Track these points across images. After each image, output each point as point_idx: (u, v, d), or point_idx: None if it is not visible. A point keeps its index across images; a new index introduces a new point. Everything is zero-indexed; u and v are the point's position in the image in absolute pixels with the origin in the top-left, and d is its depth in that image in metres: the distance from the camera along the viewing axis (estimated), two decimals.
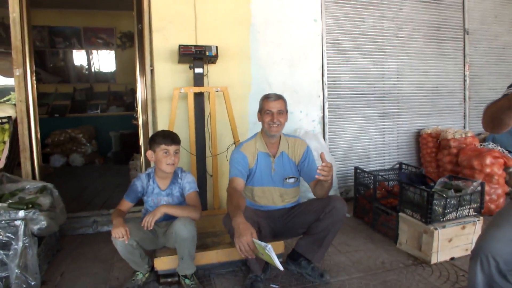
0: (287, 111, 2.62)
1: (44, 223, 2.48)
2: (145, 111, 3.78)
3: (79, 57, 8.53)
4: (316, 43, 4.05)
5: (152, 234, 2.46)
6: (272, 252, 1.86)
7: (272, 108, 2.52)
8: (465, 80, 4.83)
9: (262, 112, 2.58)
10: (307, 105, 4.05)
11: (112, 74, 8.75)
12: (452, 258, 2.77)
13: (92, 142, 7.10)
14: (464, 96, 4.86)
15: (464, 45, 4.78)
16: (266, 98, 2.59)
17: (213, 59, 3.41)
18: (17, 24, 3.21)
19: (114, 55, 8.60)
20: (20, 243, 2.27)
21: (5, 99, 4.96)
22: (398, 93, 4.50)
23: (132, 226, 2.32)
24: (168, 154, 2.44)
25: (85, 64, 8.64)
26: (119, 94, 8.28)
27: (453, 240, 2.75)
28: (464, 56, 4.79)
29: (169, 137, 2.47)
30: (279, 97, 2.57)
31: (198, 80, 3.34)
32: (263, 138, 2.62)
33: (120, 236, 2.17)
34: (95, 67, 8.73)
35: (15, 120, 3.25)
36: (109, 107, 7.85)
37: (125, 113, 7.42)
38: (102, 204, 4.05)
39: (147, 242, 2.44)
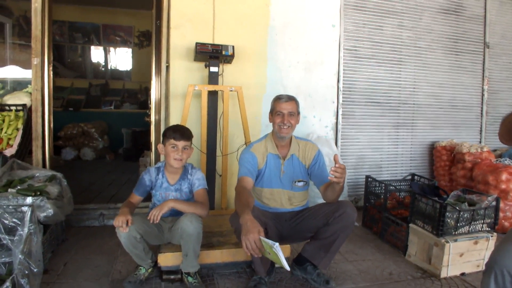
0: (299, 113, 2.58)
1: (50, 211, 2.48)
2: (158, 111, 3.79)
3: (96, 54, 8.62)
4: (333, 48, 4.02)
5: (157, 228, 2.44)
6: (279, 250, 1.81)
7: (283, 109, 2.49)
8: (483, 95, 4.75)
9: (273, 113, 2.56)
10: (321, 110, 4.02)
11: (128, 72, 8.83)
12: (462, 274, 2.69)
13: (104, 137, 7.15)
14: (481, 110, 4.77)
15: (483, 58, 4.71)
16: (277, 99, 2.56)
17: (229, 59, 3.41)
18: (38, 14, 3.25)
19: (131, 54, 8.69)
20: (26, 229, 2.25)
21: (23, 91, 5.02)
22: (413, 104, 4.45)
23: (138, 218, 2.30)
24: (176, 149, 2.42)
25: (102, 61, 8.73)
26: (133, 92, 8.36)
27: (465, 255, 2.68)
28: (483, 70, 4.72)
29: (179, 132, 2.45)
30: (291, 99, 2.54)
31: (213, 78, 3.34)
32: (274, 140, 2.59)
33: (119, 224, 2.15)
34: (111, 64, 8.81)
35: (30, 108, 3.27)
36: (123, 104, 7.92)
37: (138, 111, 7.49)
38: (110, 198, 4.05)
39: (151, 236, 2.41)
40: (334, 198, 2.38)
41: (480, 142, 4.76)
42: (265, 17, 3.74)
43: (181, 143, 2.42)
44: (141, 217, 2.35)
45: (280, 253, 1.82)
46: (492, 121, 4.83)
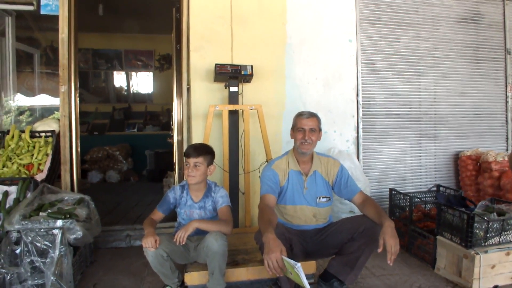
0: (320, 130, 2.60)
1: (80, 233, 2.54)
2: (180, 132, 3.86)
3: (119, 79, 8.90)
4: (351, 63, 4.04)
5: (183, 248, 2.47)
6: (301, 271, 1.81)
7: (304, 125, 2.51)
8: (507, 102, 4.65)
9: (294, 129, 2.58)
10: (341, 125, 4.02)
11: (150, 95, 9.07)
12: (495, 287, 2.61)
13: (128, 159, 7.30)
14: (506, 117, 4.66)
15: (505, 65, 4.63)
16: (299, 115, 2.59)
17: (248, 78, 3.47)
18: (65, 44, 3.39)
19: (152, 77, 8.92)
20: (57, 251, 2.34)
21: (52, 117, 5.19)
22: (435, 114, 4.39)
23: (164, 238, 2.35)
24: (188, 166, 2.49)
25: (124, 85, 9.00)
26: (155, 114, 8.54)
27: (497, 266, 2.60)
28: (506, 77, 4.64)
29: (191, 148, 2.54)
30: (312, 115, 2.57)
31: (233, 98, 3.40)
32: (295, 156, 2.61)
33: (149, 246, 2.21)
34: (133, 88, 9.07)
35: (58, 134, 3.40)
36: (146, 126, 8.09)
37: (161, 133, 7.62)
38: (136, 219, 4.12)
39: (177, 255, 2.45)
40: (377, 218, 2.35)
41: (506, 150, 4.63)
42: (282, 36, 3.80)
43: (191, 160, 2.49)
44: (167, 236, 2.40)
45: (302, 274, 1.81)
46: None
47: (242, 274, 2.57)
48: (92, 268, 3.06)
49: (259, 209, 2.38)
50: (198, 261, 2.53)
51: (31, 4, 3.64)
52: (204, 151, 2.56)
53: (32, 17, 5.11)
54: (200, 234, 2.44)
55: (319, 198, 2.57)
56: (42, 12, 3.56)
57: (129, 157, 7.37)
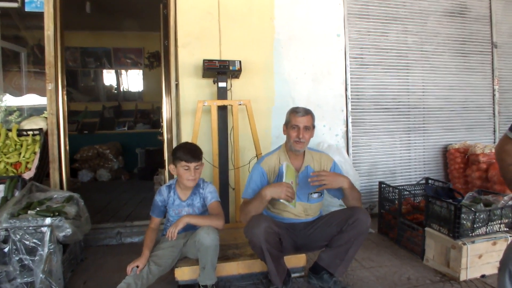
0: (314, 127, 2.57)
1: (69, 231, 2.53)
2: (169, 129, 3.84)
3: (109, 77, 8.84)
4: (340, 57, 4.06)
5: (172, 249, 2.49)
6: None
7: (299, 123, 2.47)
8: (494, 95, 4.71)
9: (288, 125, 2.54)
10: (331, 119, 4.03)
11: (140, 93, 9.03)
12: (483, 276, 2.65)
13: (119, 158, 7.24)
14: (493, 110, 4.72)
15: (492, 59, 4.68)
16: (294, 112, 2.54)
17: (236, 74, 3.46)
18: (51, 41, 3.36)
19: (142, 75, 8.87)
20: (46, 249, 2.33)
21: (39, 116, 5.14)
22: (423, 108, 4.43)
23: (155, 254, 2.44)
24: (188, 170, 2.46)
25: (114, 83, 8.94)
26: (146, 112, 8.48)
27: (484, 256, 2.64)
28: (493, 70, 4.69)
29: (190, 154, 2.46)
30: (307, 112, 2.52)
31: (222, 94, 3.39)
32: (287, 152, 2.59)
33: (128, 271, 2.29)
34: (123, 86, 9.01)
35: (46, 132, 3.37)
36: (136, 124, 8.02)
37: (151, 130, 7.56)
38: (126, 217, 4.10)
39: (167, 259, 2.45)
40: (353, 202, 2.42)
41: (494, 142, 4.68)
42: (270, 31, 3.80)
43: (192, 165, 2.45)
44: (157, 250, 2.47)
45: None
46: (505, 120, 4.76)
47: (232, 268, 2.59)
48: (83, 265, 3.05)
49: (240, 210, 2.42)
50: (189, 256, 2.53)
51: (15, 1, 3.60)
52: (201, 153, 2.55)
53: (18, 15, 5.05)
54: (189, 230, 2.44)
55: (311, 193, 2.55)
56: (26, 9, 3.51)
57: (119, 155, 7.31)
